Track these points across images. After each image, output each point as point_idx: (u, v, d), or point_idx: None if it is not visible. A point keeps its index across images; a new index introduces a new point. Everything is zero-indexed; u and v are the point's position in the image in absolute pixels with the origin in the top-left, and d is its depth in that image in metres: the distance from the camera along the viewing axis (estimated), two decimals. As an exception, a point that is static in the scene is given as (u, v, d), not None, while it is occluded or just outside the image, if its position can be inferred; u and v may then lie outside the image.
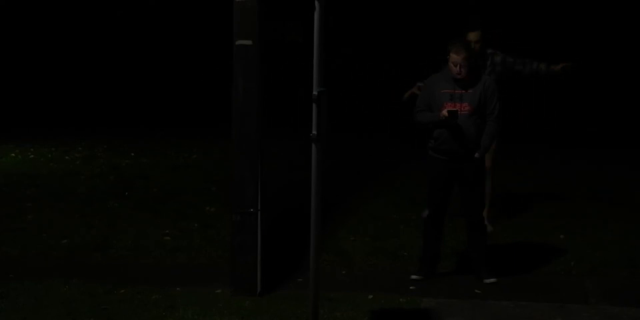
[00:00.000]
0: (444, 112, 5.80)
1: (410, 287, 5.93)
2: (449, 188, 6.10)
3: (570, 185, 9.47)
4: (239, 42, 5.54)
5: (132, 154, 11.58)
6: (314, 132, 4.36)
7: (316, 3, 4.28)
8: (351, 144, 12.23)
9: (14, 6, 16.78)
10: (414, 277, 6.11)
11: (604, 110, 13.94)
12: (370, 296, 5.66)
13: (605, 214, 8.08)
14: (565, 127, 13.81)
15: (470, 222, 6.10)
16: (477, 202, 6.10)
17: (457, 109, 5.83)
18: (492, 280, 6.02)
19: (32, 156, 11.56)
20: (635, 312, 5.40)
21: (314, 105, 4.33)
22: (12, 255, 6.74)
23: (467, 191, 6.06)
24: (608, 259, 6.57)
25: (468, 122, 5.86)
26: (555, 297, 5.71)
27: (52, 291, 5.71)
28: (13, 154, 11.64)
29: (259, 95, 5.60)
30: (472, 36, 7.07)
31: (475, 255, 6.15)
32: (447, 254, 6.65)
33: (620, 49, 14.10)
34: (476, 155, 5.91)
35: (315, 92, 4.31)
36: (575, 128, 13.67)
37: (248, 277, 5.68)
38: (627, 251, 6.79)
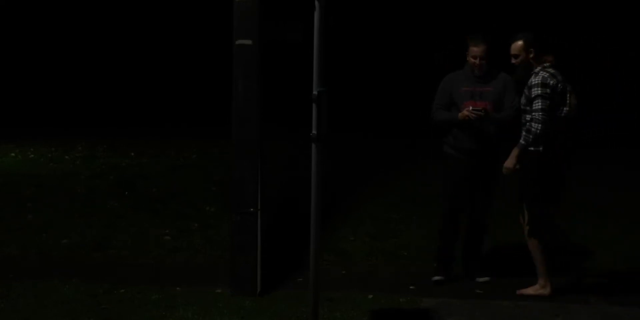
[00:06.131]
0: (465, 112, 5.72)
1: (410, 287, 5.93)
2: (465, 185, 5.96)
3: (570, 185, 9.43)
4: (239, 42, 5.53)
5: (132, 154, 11.58)
6: (314, 132, 4.35)
7: (316, 3, 4.28)
8: (351, 144, 12.22)
9: (15, 6, 16.79)
10: (436, 278, 6.03)
11: (603, 110, 13.94)
12: (370, 296, 5.66)
13: (604, 214, 8.07)
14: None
15: (474, 221, 6.07)
16: (487, 201, 6.04)
17: (483, 108, 5.71)
18: (486, 279, 6.03)
19: (32, 156, 11.56)
20: (635, 312, 5.39)
21: (313, 105, 4.32)
22: (12, 255, 6.74)
23: (479, 189, 5.97)
24: (608, 259, 6.57)
25: (487, 120, 5.78)
26: (555, 296, 5.71)
27: (52, 291, 5.70)
28: (13, 154, 11.64)
29: (259, 95, 5.59)
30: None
31: (470, 255, 6.14)
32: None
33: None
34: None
35: (315, 92, 4.31)
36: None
37: (248, 277, 5.68)
38: (626, 251, 6.78)
